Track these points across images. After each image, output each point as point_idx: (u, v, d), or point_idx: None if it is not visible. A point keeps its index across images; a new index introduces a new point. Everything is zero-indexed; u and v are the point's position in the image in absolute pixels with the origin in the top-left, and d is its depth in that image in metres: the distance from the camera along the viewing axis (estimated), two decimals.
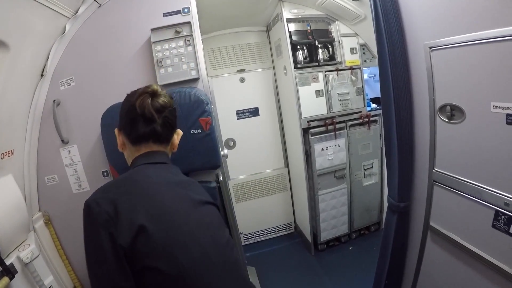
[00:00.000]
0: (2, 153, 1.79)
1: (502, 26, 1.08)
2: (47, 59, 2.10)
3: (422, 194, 1.66)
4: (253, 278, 3.09)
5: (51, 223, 2.23)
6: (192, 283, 1.00)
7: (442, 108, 1.42)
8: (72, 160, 2.22)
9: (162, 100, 1.22)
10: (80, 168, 2.24)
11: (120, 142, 1.33)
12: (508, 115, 1.12)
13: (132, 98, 1.22)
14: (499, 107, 1.15)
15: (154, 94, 1.22)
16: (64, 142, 2.15)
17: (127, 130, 1.26)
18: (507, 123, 1.13)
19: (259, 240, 4.05)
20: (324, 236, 3.43)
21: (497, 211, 1.24)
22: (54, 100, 2.10)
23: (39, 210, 2.19)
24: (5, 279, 1.59)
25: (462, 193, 1.39)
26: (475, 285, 1.42)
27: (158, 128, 1.23)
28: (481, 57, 1.19)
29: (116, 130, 1.33)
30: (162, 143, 1.30)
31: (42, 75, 2.11)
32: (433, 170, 1.54)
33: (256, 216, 3.93)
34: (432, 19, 1.40)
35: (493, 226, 1.26)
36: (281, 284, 3.19)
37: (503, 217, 1.22)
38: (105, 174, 2.25)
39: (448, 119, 1.40)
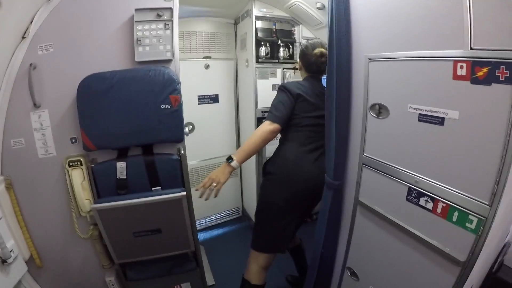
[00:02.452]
0: None
1: (420, 49, 1.43)
2: (31, 22, 2.11)
3: (353, 175, 1.94)
4: (203, 256, 3.28)
5: (13, 188, 2.20)
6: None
7: (373, 106, 1.72)
8: (41, 124, 2.21)
9: (325, 59, 2.19)
10: (48, 133, 2.23)
11: (299, 67, 2.54)
12: (420, 114, 1.45)
13: (311, 55, 2.39)
14: (414, 108, 1.47)
15: (322, 56, 2.35)
16: (35, 105, 2.16)
17: (308, 65, 2.44)
18: (419, 120, 1.46)
19: (210, 225, 4.20)
20: None
21: (409, 188, 1.55)
22: (31, 64, 2.11)
23: (1, 174, 2.16)
24: None
25: (384, 173, 1.69)
26: (394, 247, 1.71)
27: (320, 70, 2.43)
28: (404, 70, 1.51)
29: (299, 62, 2.52)
30: None
31: (23, 37, 2.11)
32: (363, 155, 1.83)
33: (207, 201, 3.96)
34: (373, 36, 1.70)
35: (407, 199, 1.57)
36: (227, 261, 3.44)
37: (414, 192, 1.53)
38: (73, 140, 2.29)
39: (376, 115, 1.71)
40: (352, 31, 1.85)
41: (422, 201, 1.50)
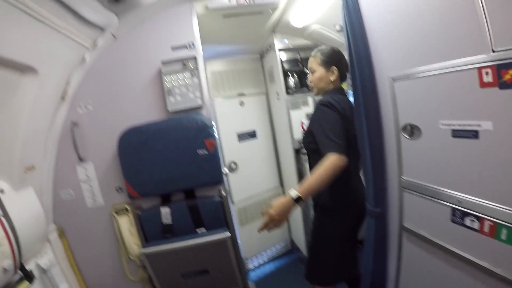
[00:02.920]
0: (25, 168, 1.95)
1: (442, 61, 1.37)
2: (68, 84, 2.30)
3: (394, 199, 1.87)
4: None
5: (65, 235, 2.38)
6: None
7: (404, 127, 1.66)
8: (88, 176, 2.40)
9: None
10: (95, 184, 2.42)
11: (334, 76, 2.16)
12: (452, 130, 1.38)
13: (344, 59, 2.17)
14: (446, 124, 1.40)
15: None
16: (81, 159, 2.35)
17: (343, 72, 2.20)
18: (452, 136, 1.38)
19: (261, 262, 4.12)
20: None
21: (453, 208, 1.45)
22: (72, 122, 2.33)
23: (54, 223, 2.34)
24: (25, 283, 1.74)
25: (425, 196, 1.61)
26: (443, 272, 1.60)
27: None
28: (430, 86, 1.46)
29: (334, 67, 2.16)
30: None
31: (63, 99, 2.31)
32: (402, 179, 1.76)
33: (255, 238, 3.96)
34: (394, 55, 1.66)
35: (452, 221, 1.47)
36: None
37: (458, 212, 1.43)
38: (119, 189, 2.44)
39: (409, 136, 1.64)
40: (371, 51, 1.82)
41: (467, 221, 1.40)
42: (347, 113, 2.00)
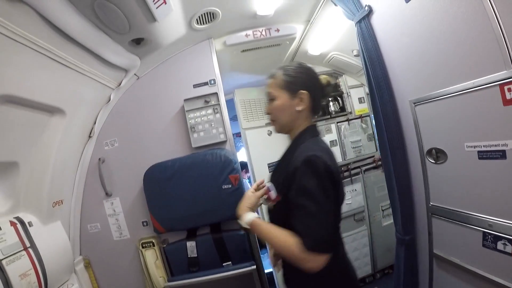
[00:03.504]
0: (54, 202, 2.02)
1: (462, 81, 1.35)
2: (95, 122, 2.40)
3: (423, 226, 1.81)
4: None
5: (91, 266, 2.41)
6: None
7: (429, 152, 1.63)
8: (114, 210, 2.46)
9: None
10: (121, 218, 2.46)
11: (303, 104, 1.43)
12: (479, 151, 1.34)
13: (318, 80, 1.51)
14: (471, 146, 1.37)
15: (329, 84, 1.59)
16: (107, 194, 2.42)
17: (317, 100, 1.50)
18: (479, 158, 1.35)
19: None
20: None
21: (484, 232, 1.40)
22: (99, 158, 2.40)
23: (80, 254, 2.39)
24: None
25: (455, 221, 1.56)
26: None
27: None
28: (452, 107, 1.44)
29: (305, 92, 1.42)
30: None
31: (90, 136, 2.40)
32: (430, 204, 1.72)
33: None
34: (413, 78, 1.66)
35: (484, 245, 1.41)
36: None
37: (489, 236, 1.37)
38: (145, 223, 2.47)
39: (434, 161, 1.61)
40: (389, 75, 1.82)
41: (499, 245, 1.34)
42: (335, 170, 1.30)
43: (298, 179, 1.24)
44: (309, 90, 1.44)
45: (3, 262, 1.48)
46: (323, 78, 1.53)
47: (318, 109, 1.55)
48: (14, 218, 1.69)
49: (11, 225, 1.64)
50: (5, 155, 1.62)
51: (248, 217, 1.38)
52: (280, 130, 1.57)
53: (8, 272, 1.48)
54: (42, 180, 1.91)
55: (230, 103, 3.79)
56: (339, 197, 1.37)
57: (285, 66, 1.51)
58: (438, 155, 1.60)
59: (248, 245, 2.41)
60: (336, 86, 1.64)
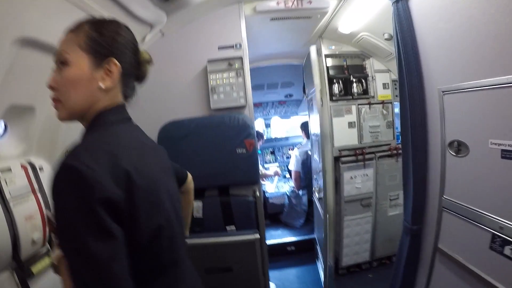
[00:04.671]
0: (67, 150, 2.00)
1: (497, 76, 1.28)
2: None
3: (432, 219, 1.78)
4: None
5: None
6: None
7: (451, 143, 1.58)
8: None
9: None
10: None
11: (111, 80, 0.97)
12: (502, 150, 1.29)
13: (138, 51, 1.09)
14: (495, 143, 1.32)
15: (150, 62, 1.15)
16: None
17: (129, 78, 1.06)
18: (502, 157, 1.29)
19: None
20: (346, 261, 3.49)
21: (493, 234, 1.36)
22: None
23: None
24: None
25: (465, 218, 1.52)
26: None
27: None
28: (482, 101, 1.38)
29: (115, 62, 0.97)
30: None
31: None
32: (443, 197, 1.68)
33: None
34: (445, 66, 1.58)
35: (490, 247, 1.38)
36: None
37: (498, 239, 1.33)
38: None
39: (455, 153, 1.56)
40: (421, 61, 1.75)
41: (507, 250, 1.30)
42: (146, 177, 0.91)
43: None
44: (122, 61, 0.99)
45: (11, 203, 1.49)
46: (144, 52, 1.12)
47: (129, 92, 1.10)
48: (25, 161, 1.70)
49: (21, 168, 1.64)
50: (22, 99, 1.62)
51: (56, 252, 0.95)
52: (65, 117, 0.98)
53: (15, 213, 1.50)
54: (57, 127, 1.92)
55: (253, 72, 3.78)
56: (141, 226, 0.86)
57: (96, 18, 1.03)
58: (460, 148, 1.55)
59: (254, 213, 2.44)
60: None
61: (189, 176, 1.59)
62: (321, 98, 3.37)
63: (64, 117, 0.97)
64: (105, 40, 0.96)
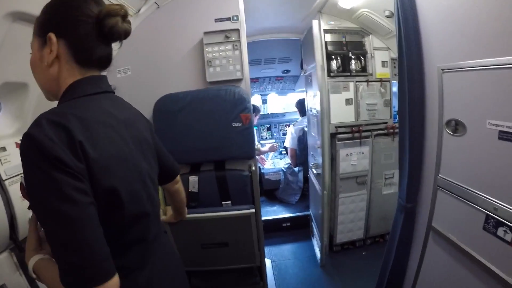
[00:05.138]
0: None
1: (498, 56, 1.24)
2: None
3: (427, 197, 1.78)
4: (268, 270, 3.27)
5: None
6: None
7: (449, 122, 1.56)
8: None
9: (129, 26, 1.07)
10: None
11: (53, 54, 0.95)
12: (500, 131, 1.27)
13: (90, 5, 0.98)
14: (493, 124, 1.29)
15: (125, 17, 1.04)
16: None
17: (76, 44, 0.97)
18: (499, 138, 1.27)
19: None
20: (340, 238, 3.56)
21: (487, 215, 1.35)
22: (111, 86, 2.36)
23: None
24: None
25: (460, 198, 1.51)
26: (467, 282, 1.52)
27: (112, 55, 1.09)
28: (482, 81, 1.35)
29: (51, 35, 0.94)
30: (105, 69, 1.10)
31: None
32: (438, 176, 1.67)
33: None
34: (446, 44, 1.54)
35: (484, 228, 1.37)
36: (295, 278, 3.34)
37: (492, 220, 1.33)
38: None
39: (452, 132, 1.54)
40: (422, 39, 1.71)
41: (500, 231, 1.30)
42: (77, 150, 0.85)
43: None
44: (62, 29, 0.95)
45: (6, 182, 1.49)
46: (109, 5, 1.01)
47: (91, 56, 1.00)
48: (20, 140, 1.68)
49: (16, 147, 1.62)
50: (14, 76, 1.58)
51: (29, 263, 0.96)
52: (46, 97, 1.10)
53: (10, 192, 1.50)
54: (51, 104, 1.87)
55: (250, 46, 3.73)
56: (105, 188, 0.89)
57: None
58: (457, 127, 1.52)
59: (250, 188, 2.45)
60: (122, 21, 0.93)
61: (178, 176, 1.58)
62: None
63: (46, 98, 1.09)
64: (45, 18, 0.98)
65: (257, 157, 4.45)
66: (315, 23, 3.01)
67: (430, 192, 1.75)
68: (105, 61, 1.07)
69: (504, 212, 1.28)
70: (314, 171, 3.43)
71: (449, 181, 1.61)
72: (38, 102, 1.76)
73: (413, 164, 1.82)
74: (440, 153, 1.66)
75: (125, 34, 1.06)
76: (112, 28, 0.99)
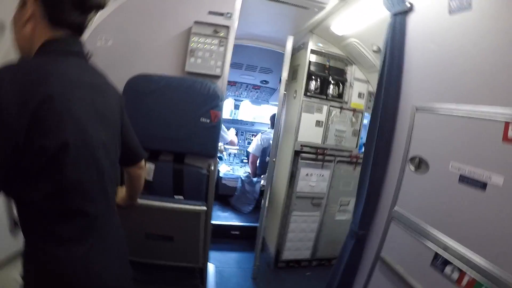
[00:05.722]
0: None
1: (469, 103, 1.34)
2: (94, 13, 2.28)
3: (379, 226, 1.82)
4: (210, 275, 3.21)
5: None
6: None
7: (413, 159, 1.62)
8: None
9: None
10: None
11: (26, 13, 0.98)
12: (461, 175, 1.33)
13: None
14: (456, 168, 1.36)
15: None
16: None
17: (51, 5, 0.99)
18: (459, 181, 1.34)
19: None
20: (287, 255, 3.54)
21: (436, 253, 1.41)
22: (87, 51, 2.28)
23: None
24: None
25: (412, 231, 1.56)
26: None
27: (88, 23, 1.09)
28: (451, 125, 1.42)
29: None
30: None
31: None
32: (393, 209, 1.72)
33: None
34: (424, 85, 1.62)
35: (432, 264, 1.42)
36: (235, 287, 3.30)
37: (440, 258, 1.38)
38: None
39: (415, 169, 1.60)
40: (403, 78, 1.78)
41: (447, 270, 1.35)
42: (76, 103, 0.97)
43: None
44: None
45: None
46: None
47: (64, 20, 1.01)
48: None
49: None
50: None
51: None
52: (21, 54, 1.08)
53: None
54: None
55: (235, 49, 3.73)
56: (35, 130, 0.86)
57: None
58: (421, 164, 1.58)
59: (205, 187, 2.41)
60: None
61: (143, 162, 1.53)
62: (296, 91, 3.43)
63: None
64: None
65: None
66: (289, 39, 3.06)
67: (384, 222, 1.79)
68: (76, 28, 1.07)
69: (453, 251, 1.33)
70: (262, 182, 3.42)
71: (404, 214, 1.65)
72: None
73: (371, 193, 1.86)
74: (400, 187, 1.71)
75: (98, 6, 1.07)
76: None
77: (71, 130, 0.93)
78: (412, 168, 1.63)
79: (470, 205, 1.30)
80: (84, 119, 0.99)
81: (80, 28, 1.08)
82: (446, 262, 1.36)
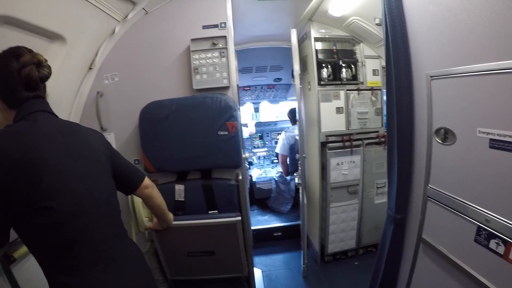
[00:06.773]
0: None
1: (488, 61, 1.21)
2: (96, 55, 2.34)
3: (417, 208, 1.74)
4: (258, 280, 3.21)
5: None
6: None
7: (438, 131, 1.52)
8: None
9: (47, 71, 1.26)
10: None
11: None
12: (491, 140, 1.23)
13: (12, 63, 1.16)
14: (484, 132, 1.26)
15: (39, 65, 1.21)
16: (102, 129, 2.39)
17: (5, 95, 1.20)
18: (490, 147, 1.23)
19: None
20: (332, 248, 3.49)
21: (479, 227, 1.31)
22: (98, 92, 2.35)
23: None
24: None
25: (450, 209, 1.47)
26: None
27: (41, 94, 1.26)
28: (471, 87, 1.31)
29: None
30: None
31: (90, 68, 2.35)
32: (428, 187, 1.63)
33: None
34: (434, 51, 1.51)
35: (475, 240, 1.33)
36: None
37: (484, 232, 1.29)
38: (137, 162, 2.48)
39: (442, 141, 1.51)
40: (410, 46, 1.68)
41: (492, 243, 1.26)
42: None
43: None
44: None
45: None
46: (28, 57, 1.19)
47: (21, 102, 1.21)
48: None
49: None
50: None
51: None
52: None
53: None
54: None
55: (241, 54, 3.70)
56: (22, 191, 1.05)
57: None
58: (447, 136, 1.49)
59: (237, 197, 2.41)
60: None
61: (146, 181, 1.66)
62: (309, 82, 3.36)
63: None
64: None
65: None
66: (293, 32, 3.00)
67: (420, 203, 1.71)
68: (35, 96, 1.25)
69: (496, 224, 1.23)
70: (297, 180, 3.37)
71: (439, 191, 1.56)
72: None
73: (402, 174, 1.78)
74: (430, 163, 1.62)
75: (42, 79, 1.24)
76: (28, 76, 1.18)
77: (45, 173, 1.10)
78: (439, 140, 1.54)
79: (505, 170, 1.20)
80: (55, 160, 1.15)
81: (38, 96, 1.26)
82: (490, 236, 1.27)
